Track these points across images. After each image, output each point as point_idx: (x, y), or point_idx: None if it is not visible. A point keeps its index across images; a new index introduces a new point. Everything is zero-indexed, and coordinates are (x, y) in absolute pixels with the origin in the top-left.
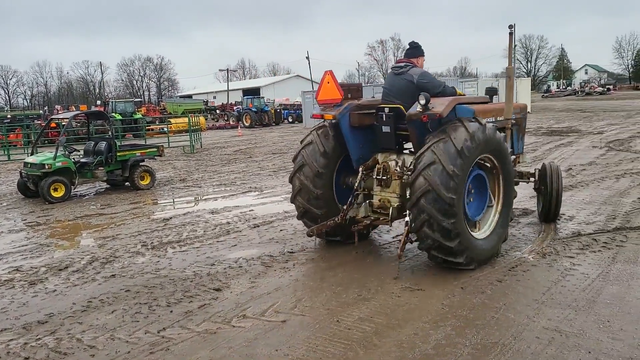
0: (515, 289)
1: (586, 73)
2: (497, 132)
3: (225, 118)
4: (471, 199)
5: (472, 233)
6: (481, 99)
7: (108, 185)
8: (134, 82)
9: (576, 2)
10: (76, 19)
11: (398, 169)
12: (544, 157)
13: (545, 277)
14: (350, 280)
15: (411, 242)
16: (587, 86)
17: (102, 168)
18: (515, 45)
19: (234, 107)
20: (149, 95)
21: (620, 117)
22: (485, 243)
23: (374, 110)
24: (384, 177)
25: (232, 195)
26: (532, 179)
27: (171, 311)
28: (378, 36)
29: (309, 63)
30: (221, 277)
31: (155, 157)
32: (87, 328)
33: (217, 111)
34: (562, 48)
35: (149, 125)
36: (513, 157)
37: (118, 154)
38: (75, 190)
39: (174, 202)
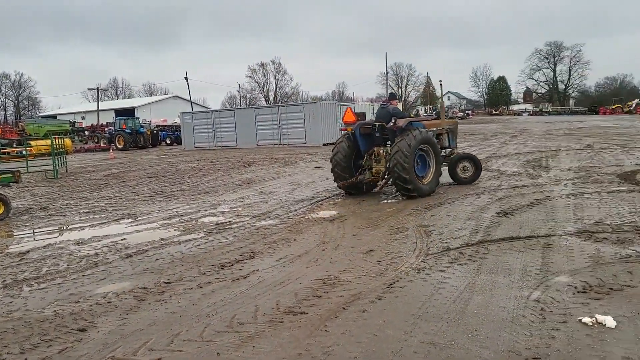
0: (394, 305)
1: (449, 99)
2: (429, 133)
3: (96, 140)
4: (418, 165)
5: (420, 181)
6: (431, 118)
7: None
8: None
9: (437, 34)
10: None
11: (384, 154)
12: None
13: (420, 291)
14: (230, 308)
15: (387, 184)
16: (450, 111)
17: None
18: (387, 72)
19: (106, 128)
20: (5, 114)
21: (478, 139)
22: (427, 186)
23: (371, 125)
24: (378, 158)
25: (102, 223)
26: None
27: (25, 359)
28: (254, 59)
29: (187, 84)
30: (86, 315)
31: (11, 183)
32: None
33: (86, 132)
34: (427, 76)
35: (5, 148)
36: (450, 149)
37: None
38: None
39: (33, 233)
